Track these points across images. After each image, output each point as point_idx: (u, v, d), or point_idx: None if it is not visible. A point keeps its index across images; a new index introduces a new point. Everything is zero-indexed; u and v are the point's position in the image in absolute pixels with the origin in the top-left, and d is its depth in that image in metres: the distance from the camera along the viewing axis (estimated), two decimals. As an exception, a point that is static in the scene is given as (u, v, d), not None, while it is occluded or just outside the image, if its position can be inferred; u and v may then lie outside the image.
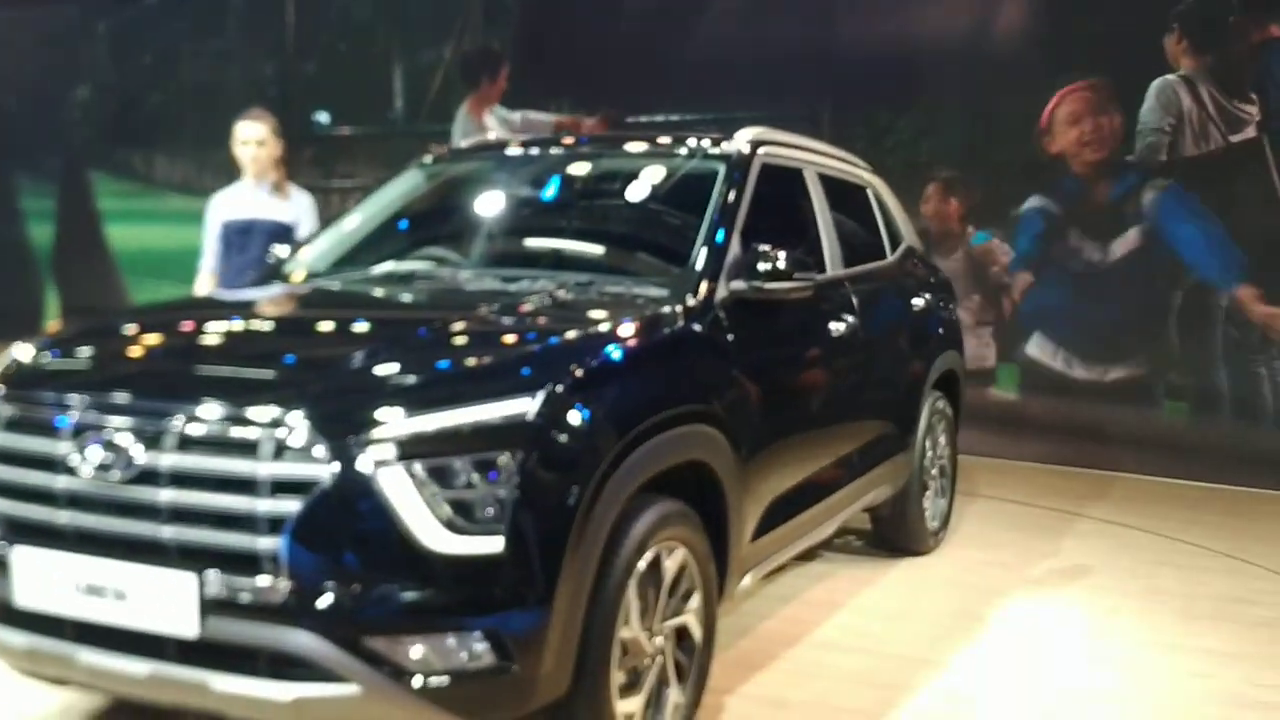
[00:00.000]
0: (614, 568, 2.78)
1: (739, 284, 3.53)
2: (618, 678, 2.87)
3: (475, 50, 9.15)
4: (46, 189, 11.27)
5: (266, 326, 3.38)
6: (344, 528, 2.47)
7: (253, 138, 5.30)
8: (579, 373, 2.75)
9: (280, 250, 4.23)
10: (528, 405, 2.59)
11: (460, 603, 2.51)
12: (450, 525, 2.49)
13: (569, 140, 4.45)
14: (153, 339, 3.13)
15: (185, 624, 2.51)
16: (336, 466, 2.46)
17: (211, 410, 2.57)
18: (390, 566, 2.48)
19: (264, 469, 2.47)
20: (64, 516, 2.65)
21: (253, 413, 2.53)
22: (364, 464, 2.46)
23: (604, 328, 3.03)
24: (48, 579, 2.65)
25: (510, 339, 2.96)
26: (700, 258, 3.53)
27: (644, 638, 2.95)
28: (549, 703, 2.68)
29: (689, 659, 3.18)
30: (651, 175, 4.14)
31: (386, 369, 2.72)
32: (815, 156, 4.58)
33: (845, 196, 4.87)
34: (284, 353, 2.98)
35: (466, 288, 3.71)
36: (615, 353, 2.92)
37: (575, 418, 2.67)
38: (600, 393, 2.77)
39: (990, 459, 7.40)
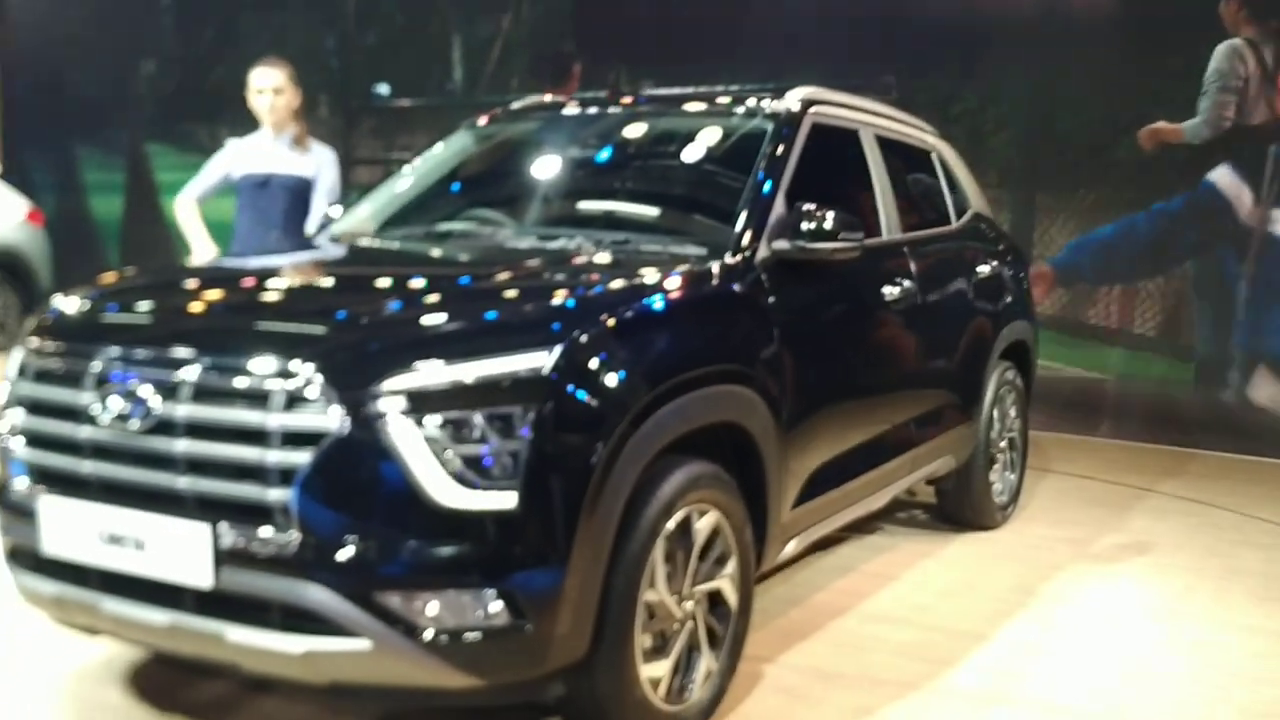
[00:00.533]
0: (637, 529, 2.70)
1: (782, 244, 3.41)
2: (643, 641, 2.80)
3: (550, 54, 9.07)
4: (116, 163, 11.51)
5: (290, 283, 3.36)
6: (354, 481, 2.43)
7: (268, 85, 5.03)
8: (599, 328, 2.67)
9: (333, 211, 4.24)
10: (544, 359, 2.52)
11: (472, 559, 2.45)
12: (462, 480, 2.43)
13: (618, 100, 4.34)
14: (180, 295, 3.13)
15: (200, 575, 2.50)
16: (346, 418, 2.42)
17: (225, 361, 2.55)
18: (400, 521, 2.44)
19: (274, 420, 2.44)
20: (87, 466, 2.66)
21: (265, 364, 2.50)
22: (374, 416, 2.42)
23: (629, 284, 2.95)
24: (72, 528, 2.67)
25: (530, 295, 2.89)
26: (742, 217, 3.43)
27: (672, 602, 2.87)
28: (567, 664, 2.62)
29: (724, 625, 3.10)
30: (699, 135, 4.04)
31: (401, 323, 2.68)
32: (873, 118, 4.43)
33: (907, 160, 4.72)
34: (302, 307, 2.97)
35: (500, 246, 3.66)
36: (639, 309, 2.84)
37: (593, 374, 2.60)
38: (621, 349, 2.69)
39: (1064, 435, 7.19)
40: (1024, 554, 4.77)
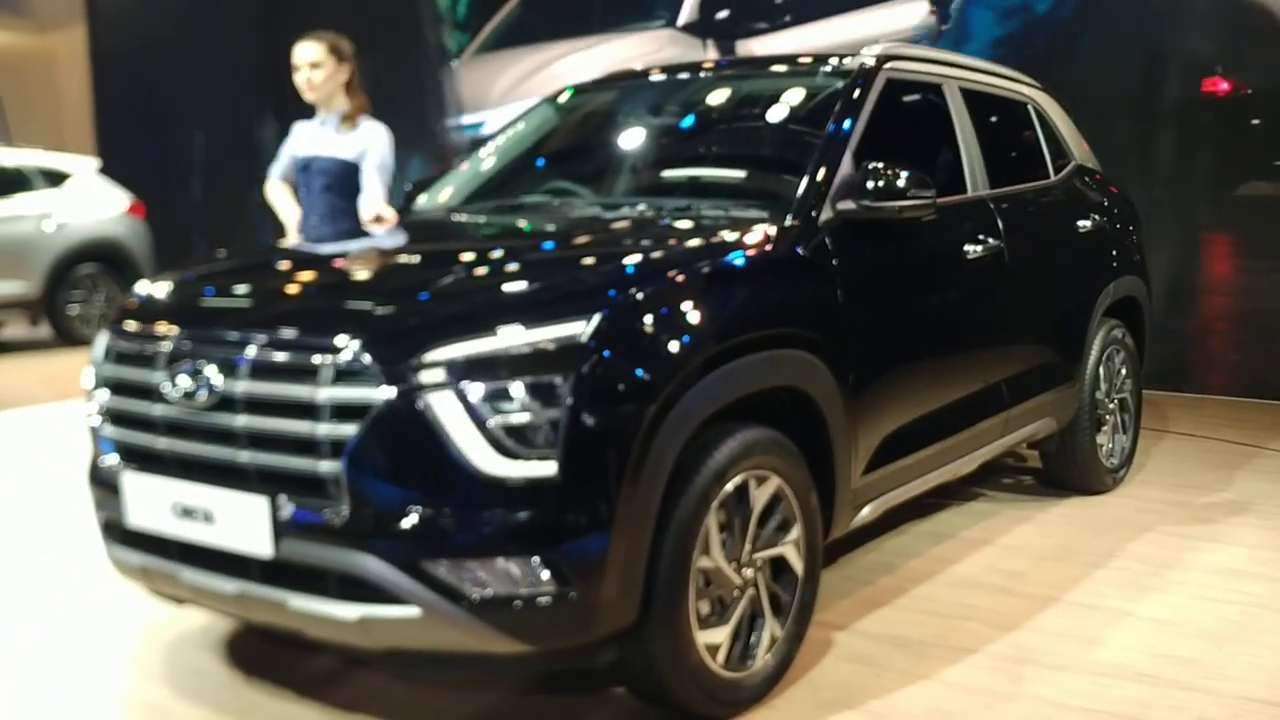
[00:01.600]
0: (687, 495, 2.70)
1: (848, 204, 3.35)
2: (700, 607, 2.81)
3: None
4: (217, 151, 12.00)
5: (343, 263, 3.45)
6: (399, 451, 2.49)
7: (305, 60, 4.77)
8: (639, 297, 2.67)
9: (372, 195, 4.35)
10: (582, 328, 2.54)
11: (515, 527, 2.49)
12: (503, 449, 2.47)
13: (695, 67, 4.31)
14: (244, 278, 3.25)
15: (262, 545, 2.60)
16: (390, 390, 2.48)
17: (279, 339, 2.64)
18: (444, 490, 2.49)
19: (323, 394, 2.52)
20: (162, 442, 2.79)
21: (315, 339, 2.59)
22: (416, 388, 2.47)
23: (674, 251, 2.94)
24: (150, 501, 2.81)
25: (573, 266, 2.92)
26: (805, 179, 3.38)
27: (729, 568, 2.86)
28: (616, 631, 2.64)
29: (789, 592, 3.08)
30: (772, 98, 3.99)
31: (447, 296, 2.73)
32: (958, 71, 4.30)
33: (998, 113, 4.58)
34: (356, 284, 3.05)
35: (561, 218, 3.67)
36: (682, 276, 2.81)
37: (633, 342, 2.60)
38: (664, 317, 2.68)
39: (1186, 394, 6.90)
40: (1130, 518, 4.61)
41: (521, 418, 2.48)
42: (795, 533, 3.07)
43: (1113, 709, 2.98)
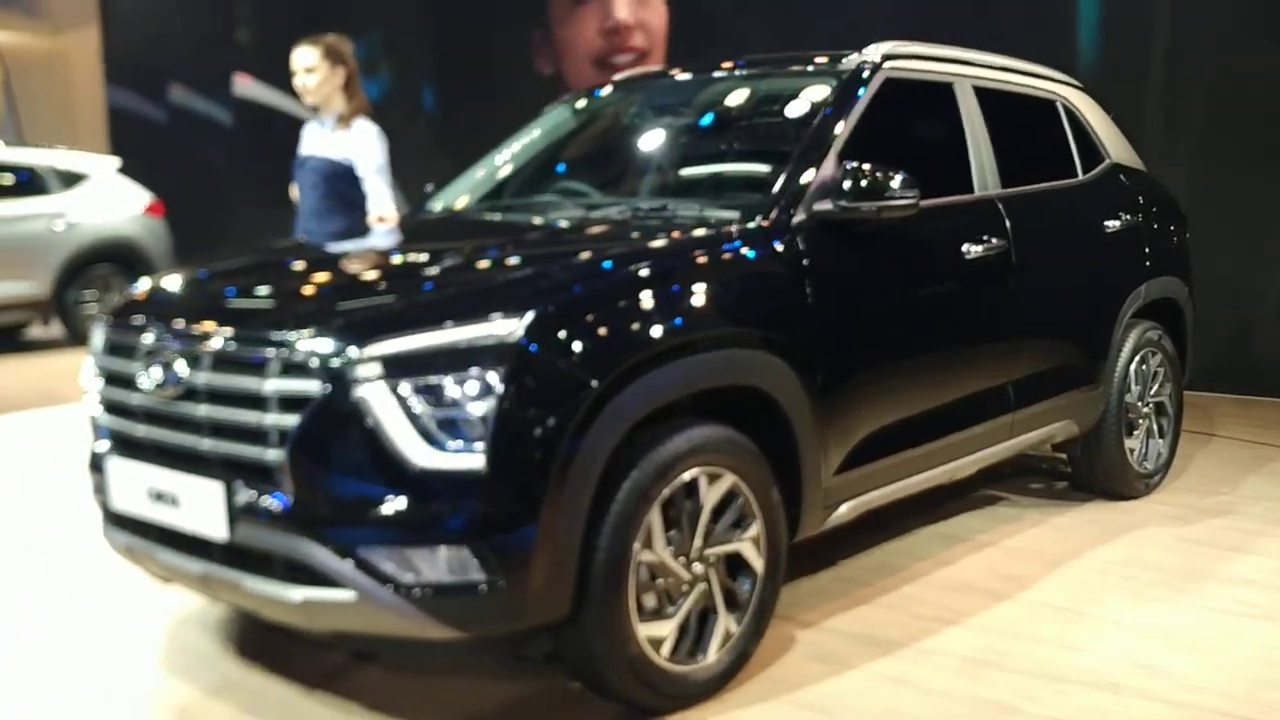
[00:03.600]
0: (626, 491, 2.75)
1: (824, 205, 3.36)
2: (646, 601, 2.86)
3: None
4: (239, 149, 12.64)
5: (314, 261, 3.58)
6: (336, 442, 2.62)
7: (300, 65, 4.88)
8: (576, 296, 2.74)
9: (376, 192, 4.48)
10: (514, 326, 2.62)
11: (444, 518, 2.59)
12: (433, 441, 2.57)
13: (693, 69, 4.35)
14: (223, 275, 3.42)
15: (219, 528, 2.75)
16: (327, 383, 2.60)
17: (237, 333, 2.79)
18: (377, 480, 2.60)
19: (270, 385, 2.66)
20: (140, 430, 2.97)
21: (266, 334, 2.73)
22: (352, 380, 2.59)
23: (629, 252, 3.00)
24: (130, 485, 2.98)
25: (521, 265, 2.99)
26: (781, 179, 3.40)
27: (676, 563, 2.91)
28: (550, 621, 2.71)
29: (749, 588, 3.11)
30: (765, 99, 4.02)
31: (390, 293, 2.86)
32: (972, 69, 4.24)
33: (1020, 111, 4.51)
34: (311, 283, 3.18)
35: (539, 220, 3.73)
36: (628, 276, 2.87)
37: (566, 340, 2.67)
38: (600, 316, 2.74)
39: (1235, 395, 6.70)
40: (1154, 525, 4.49)
41: (452, 412, 2.58)
42: (754, 530, 3.09)
43: (1065, 717, 2.95)
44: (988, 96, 4.25)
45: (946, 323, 3.82)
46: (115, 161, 11.05)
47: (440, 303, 2.77)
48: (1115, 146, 4.97)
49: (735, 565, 3.10)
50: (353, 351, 2.60)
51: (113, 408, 3.09)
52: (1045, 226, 4.31)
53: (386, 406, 2.57)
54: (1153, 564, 4.06)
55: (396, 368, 2.59)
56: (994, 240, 3.96)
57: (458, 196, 4.28)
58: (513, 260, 3.10)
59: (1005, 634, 3.46)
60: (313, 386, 2.61)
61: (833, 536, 4.19)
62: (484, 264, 3.09)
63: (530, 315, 2.63)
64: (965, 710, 2.98)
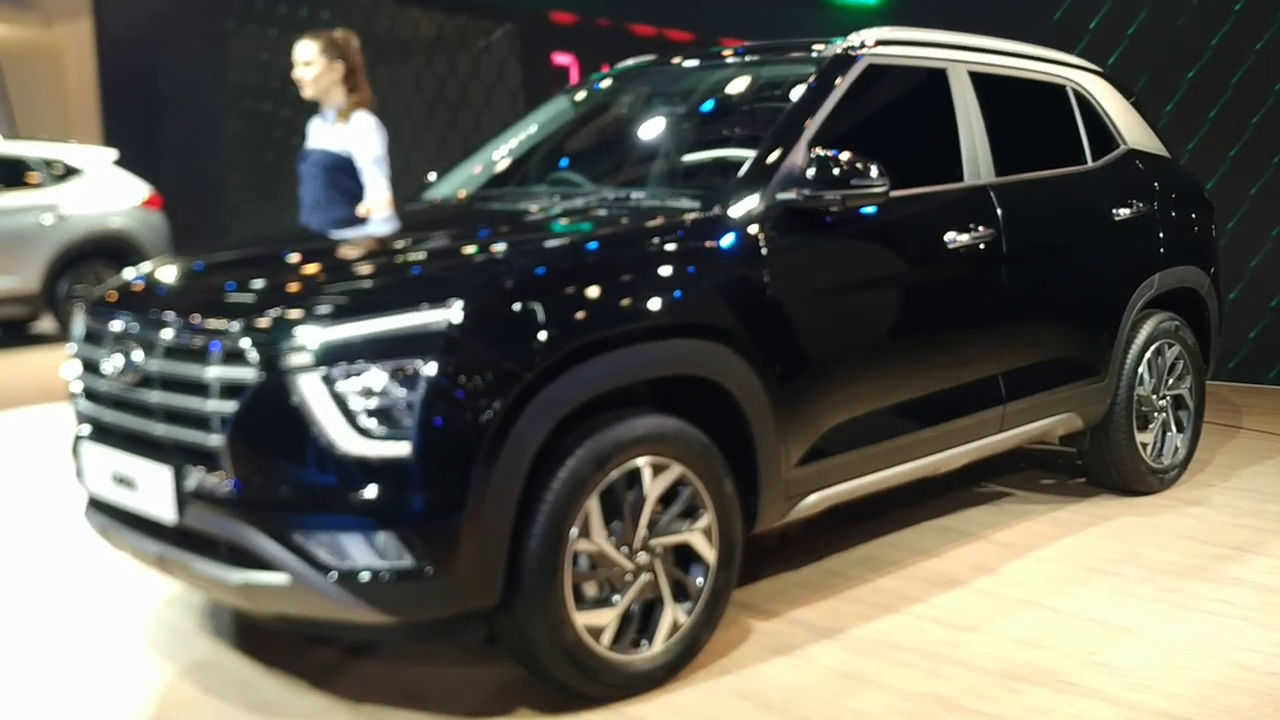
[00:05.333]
0: (559, 480, 2.78)
1: (788, 194, 3.34)
2: (589, 589, 2.89)
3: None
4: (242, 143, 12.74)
5: (274, 253, 3.60)
6: (269, 428, 2.69)
7: (299, 59, 4.92)
8: (507, 285, 2.77)
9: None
10: (442, 315, 2.66)
11: (372, 503, 2.64)
12: (361, 429, 2.62)
13: (677, 58, 4.34)
14: (191, 267, 3.51)
15: (168, 511, 2.84)
16: (262, 370, 2.67)
17: (188, 323, 2.87)
18: (309, 465, 2.66)
19: (211, 373, 2.74)
20: (107, 415, 3.07)
21: (210, 324, 2.81)
22: (284, 369, 2.65)
23: (571, 241, 3.02)
24: (99, 469, 3.10)
25: (459, 254, 3.03)
26: (744, 167, 3.39)
27: (618, 553, 2.93)
28: (482, 608, 2.75)
29: (701, 579, 3.11)
30: (744, 88, 4.01)
31: (331, 283, 2.91)
32: (969, 55, 4.17)
33: (1023, 97, 4.42)
34: (263, 273, 3.21)
35: (503, 210, 3.76)
36: (565, 266, 2.90)
37: (495, 329, 2.70)
38: (533, 305, 2.76)
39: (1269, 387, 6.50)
40: (1161, 521, 4.38)
41: (381, 400, 2.63)
42: (705, 521, 3.10)
43: (1007, 714, 2.90)
44: (988, 83, 4.17)
45: (923, 313, 3.76)
46: (112, 154, 10.89)
47: (374, 292, 2.84)
48: (1133, 132, 4.84)
49: (688, 556, 3.11)
50: (285, 340, 2.67)
51: (87, 394, 3.21)
52: (1043, 215, 4.22)
53: (317, 394, 2.63)
54: (1147, 561, 3.96)
55: (327, 356, 2.64)
56: (982, 229, 3.90)
57: (455, 187, 4.33)
58: (462, 250, 3.14)
59: (973, 629, 3.41)
60: (249, 374, 2.69)
61: (824, 528, 4.20)
62: (426, 255, 3.14)
63: (458, 305, 2.67)
64: (911, 708, 2.95)
